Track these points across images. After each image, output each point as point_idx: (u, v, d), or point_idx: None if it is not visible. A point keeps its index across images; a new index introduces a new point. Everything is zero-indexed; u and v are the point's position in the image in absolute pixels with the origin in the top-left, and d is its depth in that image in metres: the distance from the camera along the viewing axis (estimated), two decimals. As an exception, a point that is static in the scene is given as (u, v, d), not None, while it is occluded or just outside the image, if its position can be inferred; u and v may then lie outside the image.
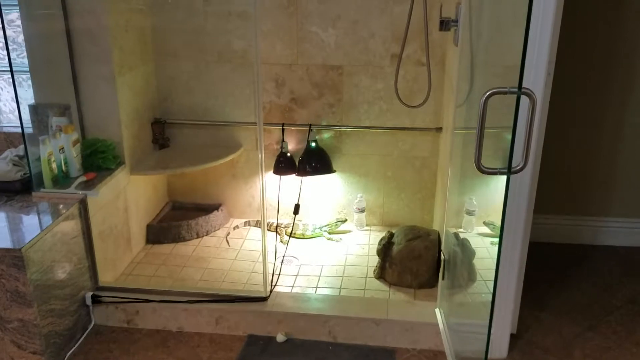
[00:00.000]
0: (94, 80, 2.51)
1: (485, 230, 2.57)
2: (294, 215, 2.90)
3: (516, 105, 1.34)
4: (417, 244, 2.54)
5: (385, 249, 2.59)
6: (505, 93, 1.36)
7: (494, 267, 2.61)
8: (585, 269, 2.74)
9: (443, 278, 2.26)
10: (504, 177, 2.15)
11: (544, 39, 1.83)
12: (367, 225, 3.08)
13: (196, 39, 2.88)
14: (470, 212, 2.50)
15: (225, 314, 2.30)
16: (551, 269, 2.72)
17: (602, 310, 2.40)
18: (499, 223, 2.54)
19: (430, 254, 2.51)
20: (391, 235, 2.64)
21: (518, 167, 1.42)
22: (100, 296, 2.36)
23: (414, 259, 2.51)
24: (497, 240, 2.51)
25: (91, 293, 2.35)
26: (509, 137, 2.49)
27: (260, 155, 2.32)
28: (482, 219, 2.52)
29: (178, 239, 2.93)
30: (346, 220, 3.02)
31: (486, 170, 1.45)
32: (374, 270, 2.63)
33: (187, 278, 2.62)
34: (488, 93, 1.37)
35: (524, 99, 1.34)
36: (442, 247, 2.37)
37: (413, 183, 2.99)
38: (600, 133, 2.78)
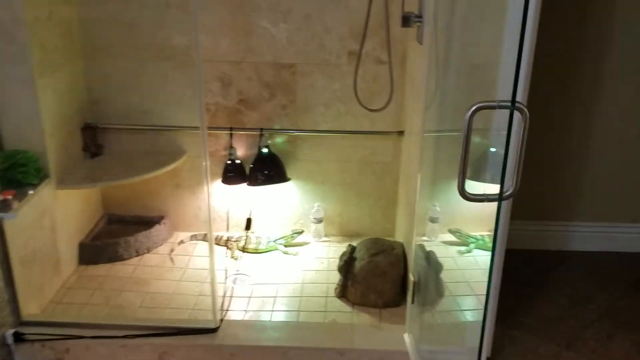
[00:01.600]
0: (11, 83, 2.17)
1: (451, 238, 2.39)
2: (245, 231, 2.64)
3: (509, 123, 1.14)
4: (381, 260, 2.33)
5: (347, 265, 2.37)
6: (494, 108, 1.16)
7: (465, 280, 2.45)
8: (556, 278, 2.61)
9: (412, 302, 2.07)
10: (474, 183, 1.96)
11: (525, 42, 1.64)
12: (325, 235, 2.86)
13: (131, 33, 2.56)
14: (434, 220, 2.33)
15: (170, 349, 2.03)
16: (521, 280, 2.57)
17: (577, 325, 2.27)
18: (465, 230, 2.37)
19: (396, 270, 2.31)
20: (353, 249, 2.43)
21: (508, 193, 1.22)
22: (24, 333, 2.05)
23: (378, 276, 2.30)
24: (464, 248, 2.35)
25: (12, 330, 2.04)
26: (478, 140, 2.29)
27: (205, 164, 2.06)
28: (447, 226, 2.35)
29: (115, 258, 2.62)
30: (303, 231, 2.78)
31: (472, 197, 1.24)
32: (335, 289, 2.41)
33: (125, 305, 2.33)
34: (474, 108, 1.16)
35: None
36: (410, 267, 2.17)
37: (374, 190, 2.78)
38: (567, 137, 2.64)
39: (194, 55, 1.91)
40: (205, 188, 2.09)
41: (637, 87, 2.56)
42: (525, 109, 1.13)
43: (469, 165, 2.25)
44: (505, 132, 1.96)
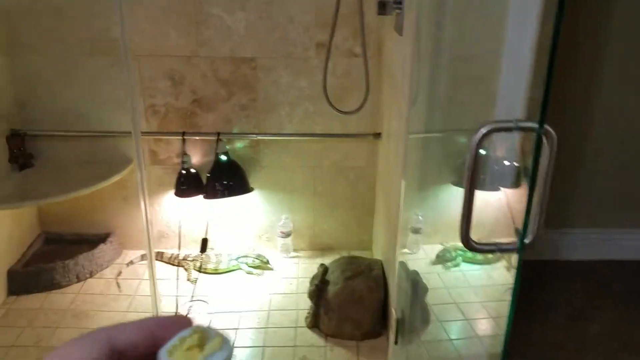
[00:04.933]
0: None
1: (435, 250, 2.11)
2: (200, 253, 2.31)
3: (536, 150, 0.83)
4: (358, 284, 2.03)
5: (318, 290, 2.06)
6: (510, 130, 0.85)
7: (453, 302, 2.16)
8: (552, 292, 2.34)
9: (396, 342, 1.77)
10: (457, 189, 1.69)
11: (527, 41, 1.34)
12: (294, 250, 2.54)
13: (61, 24, 2.19)
14: (416, 230, 2.04)
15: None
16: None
17: (579, 349, 2.01)
18: (451, 242, 2.08)
19: (375, 295, 2.02)
20: (325, 271, 2.12)
21: (530, 240, 0.92)
22: None
23: (355, 303, 2.00)
24: (450, 263, 2.06)
25: None
26: (464, 140, 1.98)
27: (139, 174, 1.74)
28: (430, 237, 2.07)
29: (51, 286, 2.27)
30: (268, 262, 2.43)
31: (479, 247, 0.94)
32: (306, 318, 2.10)
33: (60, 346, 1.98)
34: (484, 131, 0.85)
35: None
36: (393, 299, 1.88)
37: (348, 199, 2.47)
38: (561, 142, 2.36)
39: (120, 44, 1.57)
40: (142, 204, 1.77)
41: (636, 91, 2.29)
42: (553, 132, 0.83)
43: (452, 170, 1.95)
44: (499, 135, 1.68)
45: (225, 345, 0.36)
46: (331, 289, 2.05)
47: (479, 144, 0.84)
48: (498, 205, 1.76)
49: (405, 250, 2.03)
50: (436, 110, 1.75)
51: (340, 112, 2.03)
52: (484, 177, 1.73)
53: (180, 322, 0.36)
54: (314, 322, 2.08)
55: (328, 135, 2.34)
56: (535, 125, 0.77)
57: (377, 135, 2.29)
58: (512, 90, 1.38)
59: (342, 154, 2.39)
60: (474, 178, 0.87)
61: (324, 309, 2.04)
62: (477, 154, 0.85)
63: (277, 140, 2.36)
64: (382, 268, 2.15)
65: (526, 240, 0.91)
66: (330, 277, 2.10)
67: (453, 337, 2.03)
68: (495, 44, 1.45)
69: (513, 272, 1.84)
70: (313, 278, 2.11)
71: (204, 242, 2.22)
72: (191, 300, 2.21)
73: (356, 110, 1.99)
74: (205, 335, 0.36)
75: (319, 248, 2.56)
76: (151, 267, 1.89)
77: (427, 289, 1.96)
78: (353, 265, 2.12)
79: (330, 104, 2.01)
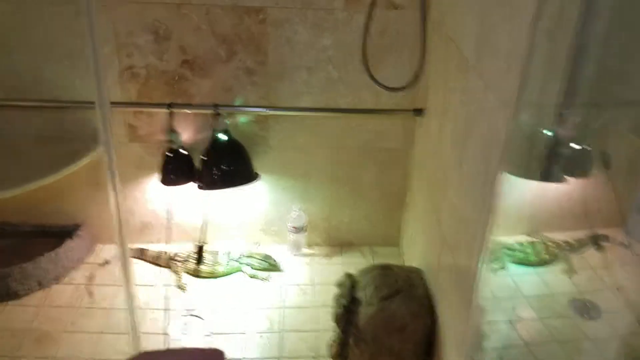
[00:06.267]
0: None
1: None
2: (197, 265, 1.85)
3: None
4: (398, 307, 1.60)
5: (347, 312, 1.64)
6: None
7: (506, 319, 1.77)
8: None
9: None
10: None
11: None
12: (307, 246, 2.10)
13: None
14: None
15: None
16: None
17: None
18: (496, 236, 1.67)
19: (420, 322, 1.60)
20: (352, 285, 1.69)
21: None
22: None
23: (395, 332, 1.59)
24: (496, 265, 1.66)
25: None
26: (526, 118, 1.55)
27: (108, 157, 1.31)
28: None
29: (7, 296, 1.80)
30: (276, 264, 2.00)
31: None
32: (331, 346, 1.69)
33: (17, 383, 1.55)
34: None
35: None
36: (466, 349, 1.45)
37: (374, 186, 2.02)
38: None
39: None
40: (112, 195, 1.34)
41: None
42: None
43: (507, 156, 1.49)
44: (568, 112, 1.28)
45: None
46: (363, 312, 1.62)
47: None
48: (554, 195, 1.33)
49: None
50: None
51: (386, 88, 1.54)
52: (546, 163, 1.30)
53: (213, 356, 0.17)
54: (341, 351, 1.66)
55: (355, 111, 1.86)
56: None
57: (419, 111, 1.82)
58: None
59: (372, 133, 1.92)
60: None
61: (354, 338, 1.62)
62: None
63: (290, 115, 1.87)
64: (425, 284, 1.73)
65: None
66: (361, 294, 1.67)
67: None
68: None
69: (575, 277, 1.41)
70: (339, 296, 1.68)
71: (200, 250, 1.74)
72: (183, 316, 1.78)
73: (406, 87, 1.51)
74: None
75: (336, 244, 2.12)
76: (128, 284, 1.46)
77: (484, 310, 1.55)
78: (389, 279, 1.69)
79: (372, 77, 1.52)
